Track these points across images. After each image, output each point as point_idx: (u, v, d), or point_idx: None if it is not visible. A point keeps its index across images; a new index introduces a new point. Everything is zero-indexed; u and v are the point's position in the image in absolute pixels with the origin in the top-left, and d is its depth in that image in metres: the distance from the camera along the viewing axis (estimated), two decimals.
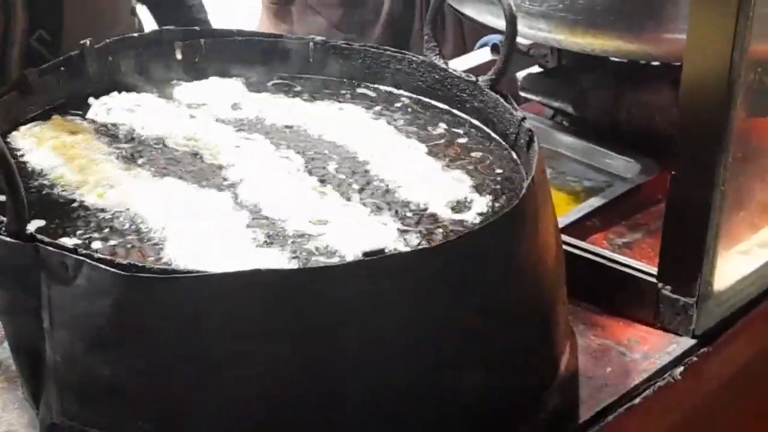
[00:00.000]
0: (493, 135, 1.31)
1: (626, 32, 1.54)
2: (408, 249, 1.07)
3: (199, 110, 1.36)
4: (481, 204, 1.17)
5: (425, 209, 1.17)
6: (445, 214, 1.16)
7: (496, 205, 1.17)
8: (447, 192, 1.20)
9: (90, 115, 1.32)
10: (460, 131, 1.33)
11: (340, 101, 1.39)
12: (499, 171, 1.25)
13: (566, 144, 1.71)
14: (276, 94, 1.41)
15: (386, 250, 0.99)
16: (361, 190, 1.20)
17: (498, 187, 1.21)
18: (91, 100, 1.34)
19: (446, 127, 1.34)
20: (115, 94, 1.36)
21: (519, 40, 1.67)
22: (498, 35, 1.88)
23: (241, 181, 1.19)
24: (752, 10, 1.17)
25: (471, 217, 1.15)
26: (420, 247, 1.08)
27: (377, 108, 1.38)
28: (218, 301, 0.94)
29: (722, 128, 1.20)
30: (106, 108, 1.33)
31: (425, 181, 1.21)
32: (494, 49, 1.89)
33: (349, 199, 1.17)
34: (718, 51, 1.19)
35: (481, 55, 1.91)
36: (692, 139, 1.24)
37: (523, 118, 1.25)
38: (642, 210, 1.57)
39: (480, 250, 1.05)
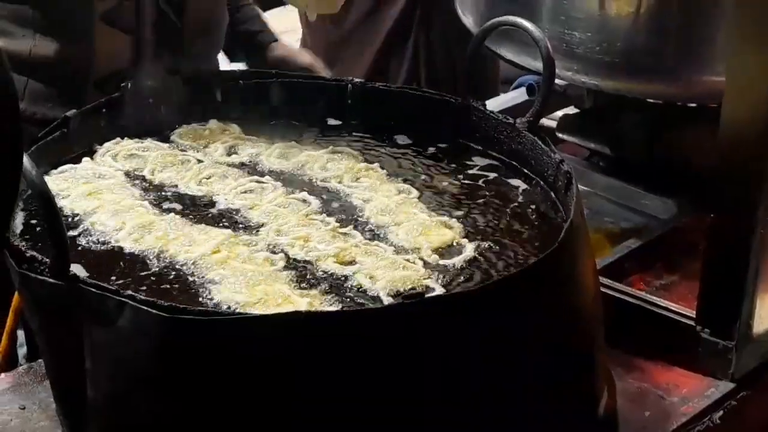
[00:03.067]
0: (532, 176, 1.31)
1: (662, 75, 1.54)
2: (444, 292, 1.08)
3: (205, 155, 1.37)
4: (517, 250, 1.18)
5: (453, 248, 1.17)
6: (472, 253, 1.16)
7: (535, 246, 1.17)
8: (478, 232, 1.20)
9: (98, 160, 1.33)
10: (498, 173, 1.33)
11: (368, 143, 1.40)
12: (537, 213, 1.25)
13: (602, 185, 1.71)
14: (302, 138, 1.42)
15: (426, 294, 0.99)
16: (382, 232, 1.21)
17: (536, 231, 1.22)
18: (96, 146, 1.35)
19: (483, 168, 1.34)
20: (117, 139, 1.37)
21: (556, 81, 1.68)
22: (533, 76, 1.88)
23: (263, 224, 1.20)
24: None
25: (502, 260, 1.16)
26: (460, 290, 1.08)
27: (414, 149, 1.39)
28: (259, 342, 0.95)
29: (762, 171, 1.20)
30: (112, 154, 1.34)
31: (453, 221, 1.22)
32: (530, 89, 1.89)
33: (371, 239, 1.18)
34: (757, 94, 1.19)
35: (517, 96, 1.92)
36: (732, 182, 1.24)
37: (561, 161, 1.25)
38: (679, 251, 1.57)
39: (520, 293, 1.05)
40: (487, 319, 1.02)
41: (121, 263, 1.13)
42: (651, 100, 1.66)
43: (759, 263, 1.25)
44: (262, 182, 1.28)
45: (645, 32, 1.52)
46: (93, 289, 0.98)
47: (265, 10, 4.05)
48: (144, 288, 1.08)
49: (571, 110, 1.81)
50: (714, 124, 1.60)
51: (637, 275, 1.51)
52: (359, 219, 1.23)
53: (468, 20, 1.71)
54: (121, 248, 1.15)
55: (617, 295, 1.40)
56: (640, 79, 1.55)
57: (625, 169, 1.71)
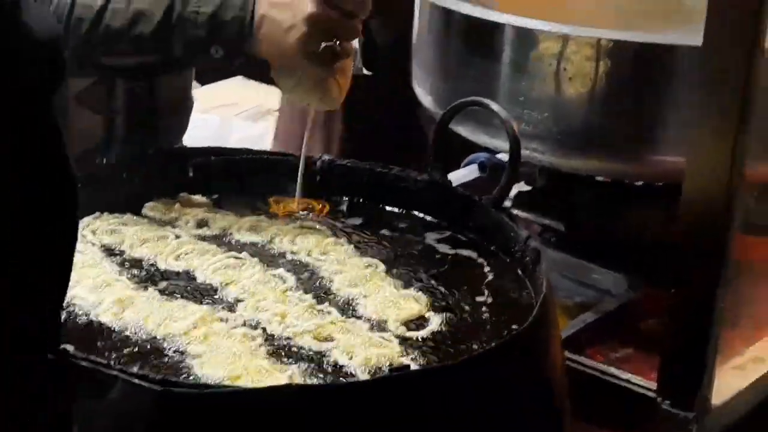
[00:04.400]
0: (499, 252, 1.35)
1: (616, 155, 1.59)
2: (422, 365, 1.11)
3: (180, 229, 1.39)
4: (491, 324, 1.21)
5: (421, 321, 1.20)
6: (440, 326, 1.19)
7: (510, 325, 1.20)
8: (446, 305, 1.24)
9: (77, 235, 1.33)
10: (465, 249, 1.37)
11: (336, 220, 1.43)
12: (504, 288, 1.28)
13: (556, 260, 1.75)
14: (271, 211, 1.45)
15: (411, 367, 1.02)
16: (353, 304, 1.23)
17: (502, 305, 1.25)
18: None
19: (450, 245, 1.38)
20: (97, 213, 1.38)
21: (505, 156, 1.73)
22: (484, 153, 1.93)
23: (241, 300, 1.22)
24: (748, 132, 1.22)
25: (470, 334, 1.19)
26: (442, 363, 1.11)
27: (379, 223, 1.42)
28: (253, 414, 0.96)
29: (722, 248, 1.25)
30: (91, 229, 1.36)
31: (420, 294, 1.25)
32: (481, 166, 1.94)
33: (348, 316, 1.20)
34: (717, 175, 1.24)
35: (468, 173, 1.96)
36: (693, 258, 1.29)
37: (529, 237, 1.29)
38: (632, 325, 1.61)
39: (497, 366, 1.08)
40: (465, 392, 1.05)
41: (102, 338, 1.13)
42: (603, 178, 1.72)
43: (718, 336, 1.30)
44: (240, 258, 1.30)
45: (600, 113, 1.57)
46: (83, 363, 0.99)
47: (211, 82, 4.06)
48: (125, 363, 1.09)
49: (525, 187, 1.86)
50: (663, 201, 1.67)
51: (593, 348, 1.55)
52: (331, 291, 1.25)
53: (426, 99, 1.75)
54: (101, 323, 1.16)
55: (578, 367, 1.43)
56: (594, 158, 1.61)
57: (578, 245, 1.75)
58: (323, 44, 1.36)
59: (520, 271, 1.31)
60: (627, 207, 1.72)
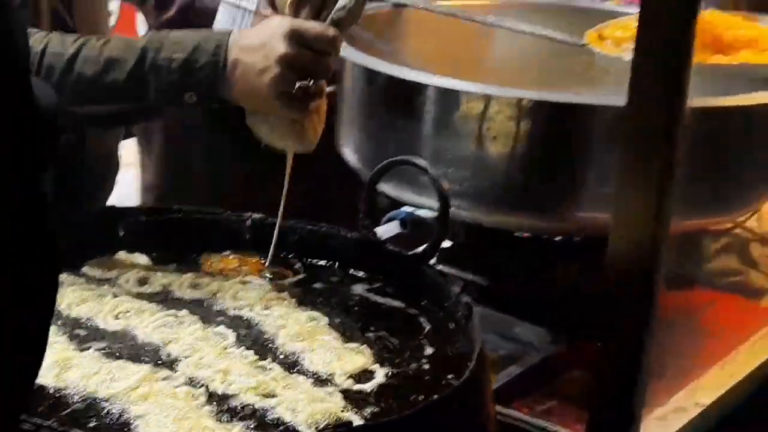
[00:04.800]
0: (432, 307, 1.37)
1: (538, 211, 1.63)
2: (366, 420, 1.12)
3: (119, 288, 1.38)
4: (431, 376, 1.23)
5: (365, 374, 1.21)
6: (384, 378, 1.21)
7: (448, 377, 1.22)
8: (388, 358, 1.25)
9: None
10: (400, 303, 1.39)
11: (267, 277, 1.44)
12: (440, 342, 1.31)
13: (479, 315, 1.78)
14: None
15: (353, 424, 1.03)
16: (297, 358, 1.24)
17: (440, 359, 1.27)
18: None
19: (385, 299, 1.40)
20: None
21: (425, 213, 1.76)
22: (406, 209, 1.96)
23: (183, 358, 1.22)
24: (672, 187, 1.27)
25: (412, 386, 1.21)
26: (387, 418, 1.12)
27: (316, 279, 1.44)
28: None
29: (649, 298, 1.29)
30: None
31: (363, 347, 1.27)
32: (403, 223, 1.96)
33: (292, 371, 1.21)
34: (641, 230, 1.28)
35: (391, 229, 1.99)
36: (619, 311, 1.32)
37: (461, 292, 1.32)
38: (556, 377, 1.65)
39: (438, 419, 1.10)
40: None
41: (43, 401, 1.12)
42: (525, 234, 1.76)
43: (646, 386, 1.33)
44: (179, 316, 1.30)
45: (521, 170, 1.61)
46: (25, 426, 0.98)
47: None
48: (67, 425, 1.08)
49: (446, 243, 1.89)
50: (582, 255, 1.72)
51: (519, 401, 1.58)
52: (274, 346, 1.26)
53: (353, 158, 1.78)
54: (41, 386, 1.15)
55: (507, 420, 1.46)
56: (516, 214, 1.65)
57: (500, 299, 1.78)
58: (297, 85, 1.37)
59: (452, 325, 1.33)
60: (547, 261, 1.76)
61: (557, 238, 1.78)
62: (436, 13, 1.98)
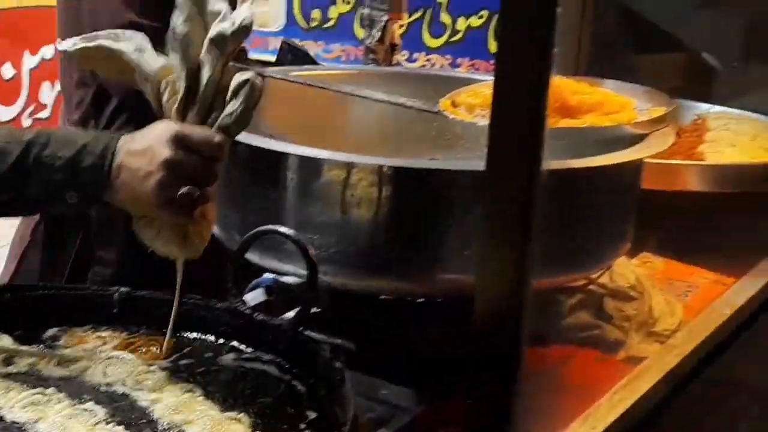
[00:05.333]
0: (304, 373, 1.39)
1: (402, 275, 1.67)
2: None
3: None
4: None
5: None
6: None
7: None
8: (265, 425, 1.27)
9: None
10: (273, 370, 1.40)
11: (145, 350, 1.44)
12: (315, 407, 1.33)
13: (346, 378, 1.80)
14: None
15: None
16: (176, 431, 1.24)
17: (317, 423, 1.29)
18: None
19: (257, 367, 1.41)
20: None
21: (289, 279, 1.78)
22: (269, 276, 1.97)
23: None
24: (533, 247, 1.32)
25: None
26: None
27: (183, 352, 1.44)
28: None
29: (515, 358, 1.33)
30: None
31: (241, 415, 1.28)
32: (268, 290, 1.97)
33: None
34: (505, 288, 1.33)
35: (256, 296, 2.00)
36: (486, 370, 1.36)
37: (332, 357, 1.34)
38: None
39: None
40: None
41: None
42: (390, 297, 1.79)
43: None
44: (46, 394, 1.28)
45: (384, 235, 1.65)
46: None
47: None
48: None
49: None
50: (446, 316, 1.76)
51: None
52: (150, 421, 1.26)
53: (217, 229, 1.79)
54: None
55: None
56: (380, 278, 1.68)
57: (368, 362, 1.81)
58: (181, 191, 1.35)
59: (325, 391, 1.35)
60: (413, 323, 1.79)
61: (422, 300, 1.81)
62: (295, 83, 2.02)
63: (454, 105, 1.84)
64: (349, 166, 1.62)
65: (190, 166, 1.36)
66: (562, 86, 1.88)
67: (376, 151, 1.99)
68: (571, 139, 1.77)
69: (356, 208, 1.63)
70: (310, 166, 1.64)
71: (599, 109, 1.83)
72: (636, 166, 1.74)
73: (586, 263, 1.74)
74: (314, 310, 1.89)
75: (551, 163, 1.65)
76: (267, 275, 2.00)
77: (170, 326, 1.44)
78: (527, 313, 1.33)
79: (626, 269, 2.00)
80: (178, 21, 1.39)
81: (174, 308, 1.44)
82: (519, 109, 1.28)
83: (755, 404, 2.16)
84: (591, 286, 1.94)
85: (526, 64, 1.25)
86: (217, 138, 1.37)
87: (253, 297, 2.03)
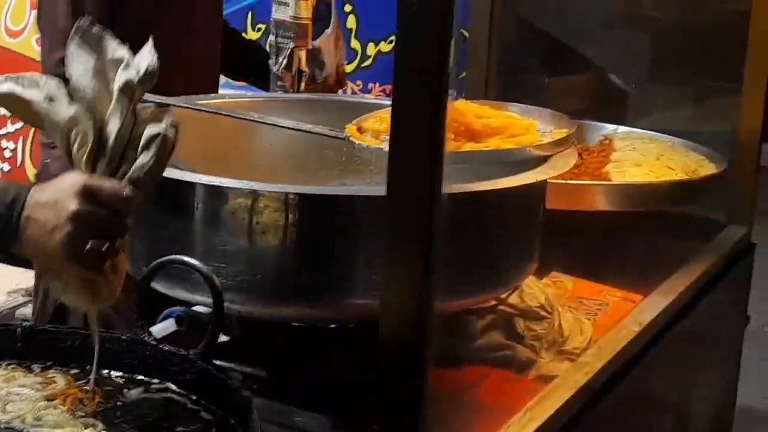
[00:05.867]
0: (211, 405, 1.38)
1: (310, 301, 1.67)
2: None
3: None
4: None
5: None
6: None
7: None
8: None
9: None
10: (181, 400, 1.40)
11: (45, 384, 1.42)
12: None
13: (259, 406, 1.79)
14: None
15: None
16: None
17: None
18: None
19: (165, 399, 1.40)
20: None
21: (201, 309, 1.77)
22: (179, 307, 1.96)
23: None
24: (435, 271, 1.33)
25: None
26: None
27: (85, 386, 1.42)
28: None
29: (421, 380, 1.34)
30: None
31: None
32: (178, 320, 1.96)
33: None
34: (409, 313, 1.34)
35: (166, 327, 1.98)
36: (392, 396, 1.37)
37: (238, 387, 1.34)
38: None
39: None
40: None
41: None
42: (300, 324, 1.79)
43: None
44: None
45: (291, 262, 1.65)
46: None
47: None
48: None
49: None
50: (357, 342, 1.76)
51: None
52: None
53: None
54: None
55: None
56: (289, 305, 1.68)
57: (280, 390, 1.80)
58: (89, 245, 1.32)
59: (234, 420, 1.35)
60: (325, 349, 1.79)
61: (332, 326, 1.82)
62: (201, 112, 2.01)
63: (361, 131, 1.86)
64: (254, 194, 1.62)
65: (99, 220, 1.33)
66: (467, 110, 1.90)
67: (285, 178, 2.00)
68: (476, 163, 1.79)
69: (262, 235, 1.63)
70: (215, 195, 1.64)
71: (504, 132, 1.86)
72: (539, 188, 1.77)
73: (493, 284, 1.76)
74: (226, 339, 1.90)
75: (456, 186, 1.67)
76: (177, 307, 2.00)
77: (92, 376, 1.42)
78: (432, 336, 1.34)
79: (536, 289, 2.01)
80: (77, 72, 1.37)
81: (95, 360, 1.42)
82: (417, 134, 1.29)
83: (665, 419, 2.20)
84: (502, 307, 1.96)
85: (421, 89, 1.27)
86: (126, 191, 1.34)
87: (164, 328, 2.02)
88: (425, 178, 1.29)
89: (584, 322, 2.01)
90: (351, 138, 1.84)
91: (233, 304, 1.68)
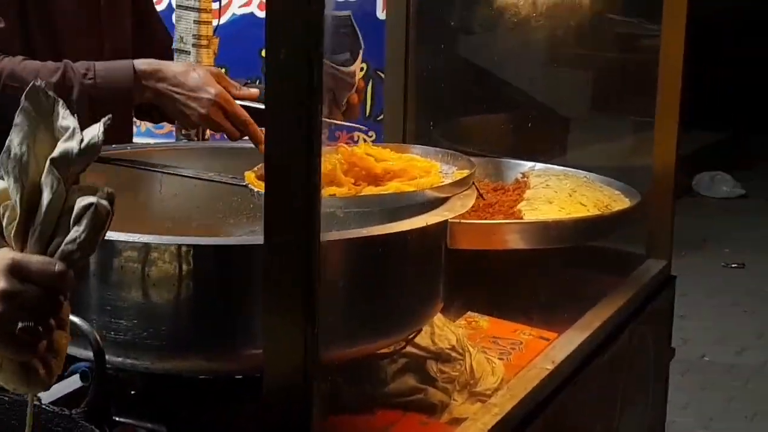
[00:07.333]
0: None
1: (206, 353, 1.64)
2: None
3: None
4: None
5: None
6: None
7: None
8: None
9: None
10: None
11: None
12: None
13: None
14: None
15: None
16: None
17: None
18: None
19: None
20: None
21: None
22: (85, 362, 1.93)
23: None
24: (317, 324, 1.31)
25: None
26: None
27: None
28: None
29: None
30: None
31: None
32: (83, 376, 1.93)
33: None
34: (293, 362, 1.32)
35: (71, 383, 1.95)
36: None
37: None
38: None
39: None
40: None
41: None
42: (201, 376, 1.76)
43: None
44: None
45: (185, 314, 1.63)
46: None
47: None
48: None
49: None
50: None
51: None
52: None
53: None
54: None
55: None
56: (185, 358, 1.66)
57: None
58: (19, 326, 1.24)
59: None
60: (227, 400, 1.77)
61: (237, 377, 1.79)
62: (102, 161, 1.99)
63: (260, 178, 1.84)
64: (146, 247, 1.59)
65: (29, 298, 1.25)
66: (368, 154, 1.89)
67: (185, 228, 1.97)
68: (375, 207, 1.78)
69: (155, 288, 1.60)
70: (107, 249, 1.61)
71: (404, 175, 1.85)
72: (435, 230, 1.75)
73: (393, 328, 1.74)
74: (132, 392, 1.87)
75: (356, 231, 1.66)
76: (83, 362, 1.96)
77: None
78: (316, 384, 1.33)
79: (447, 331, 2.00)
80: (15, 140, 1.29)
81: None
82: (291, 181, 1.28)
83: None
84: (413, 350, 1.94)
85: (292, 136, 1.26)
86: (58, 267, 1.27)
87: (68, 384, 1.99)
88: (300, 225, 1.28)
89: (496, 363, 1.99)
90: (249, 185, 1.82)
91: (129, 359, 1.65)
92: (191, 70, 2.19)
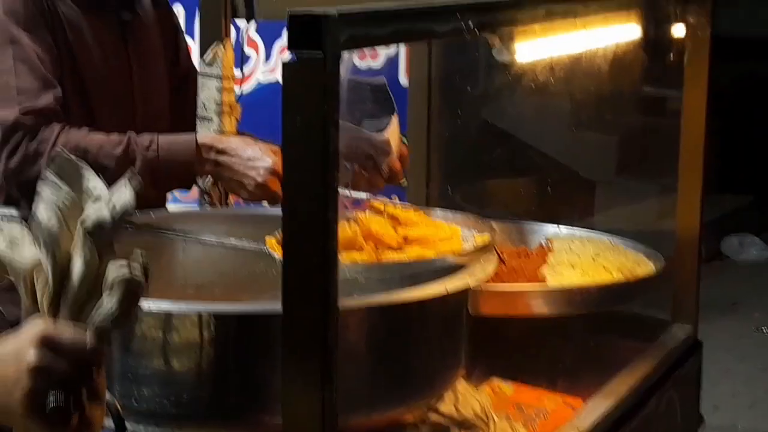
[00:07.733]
0: None
1: (229, 421, 1.63)
2: None
3: None
4: None
5: None
6: None
7: None
8: None
9: None
10: None
11: None
12: None
13: None
14: None
15: None
16: None
17: None
18: None
19: None
20: None
21: None
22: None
23: None
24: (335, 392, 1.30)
25: None
26: None
27: None
28: None
29: None
30: None
31: None
32: None
33: None
34: (310, 428, 1.30)
35: None
36: None
37: None
38: None
39: None
40: None
41: None
42: None
43: None
44: None
45: (209, 382, 1.62)
46: None
47: None
48: None
49: None
50: None
51: None
52: None
53: None
54: None
55: None
56: (207, 426, 1.64)
57: None
58: (50, 402, 1.21)
59: None
60: None
61: None
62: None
63: (280, 243, 1.84)
64: (167, 316, 1.59)
65: (60, 372, 1.22)
66: (393, 216, 1.89)
67: (208, 295, 1.97)
68: (395, 273, 1.77)
69: (176, 356, 1.60)
70: None
71: (425, 241, 1.85)
72: (458, 296, 1.74)
73: (415, 394, 1.73)
74: None
75: (376, 297, 1.66)
76: None
77: None
78: None
79: (471, 397, 1.98)
80: (40, 207, 1.28)
81: None
82: (307, 247, 1.28)
83: None
84: (436, 417, 1.92)
85: (310, 204, 1.26)
86: (90, 341, 1.25)
87: None
88: (318, 292, 1.27)
89: (520, 431, 1.97)
90: (270, 251, 1.82)
91: (150, 426, 1.64)
92: (251, 142, 2.23)
